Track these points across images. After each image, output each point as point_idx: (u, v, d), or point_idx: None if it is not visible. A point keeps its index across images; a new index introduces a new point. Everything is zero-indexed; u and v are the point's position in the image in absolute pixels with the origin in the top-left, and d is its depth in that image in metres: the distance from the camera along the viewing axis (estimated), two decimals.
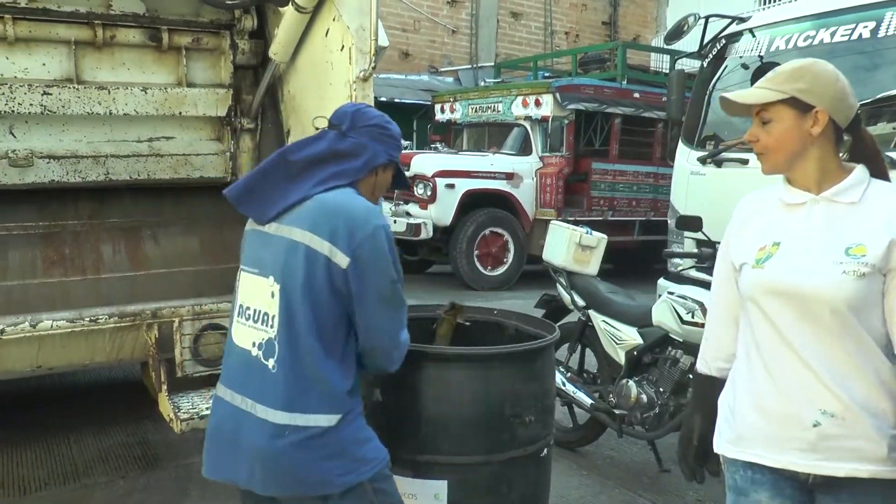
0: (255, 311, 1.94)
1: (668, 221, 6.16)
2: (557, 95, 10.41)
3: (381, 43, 3.37)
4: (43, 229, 4.05)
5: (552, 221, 4.99)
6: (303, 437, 1.84)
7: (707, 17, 5.62)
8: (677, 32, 5.67)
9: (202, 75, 4.16)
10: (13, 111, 3.68)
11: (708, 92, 5.97)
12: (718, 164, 5.39)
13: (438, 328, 2.80)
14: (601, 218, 10.95)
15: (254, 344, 1.92)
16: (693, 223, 4.09)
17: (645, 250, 11.51)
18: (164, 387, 3.06)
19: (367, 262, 1.89)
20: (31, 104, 3.71)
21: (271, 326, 1.90)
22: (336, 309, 1.90)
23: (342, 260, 1.87)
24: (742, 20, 5.62)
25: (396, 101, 13.98)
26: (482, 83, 13.93)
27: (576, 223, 11.38)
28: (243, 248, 2.06)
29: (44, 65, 3.81)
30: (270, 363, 1.89)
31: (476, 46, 16.87)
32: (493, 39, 17.10)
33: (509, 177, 10.41)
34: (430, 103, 13.04)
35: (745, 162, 5.18)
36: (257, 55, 4.21)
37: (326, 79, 3.52)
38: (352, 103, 2.28)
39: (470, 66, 16.46)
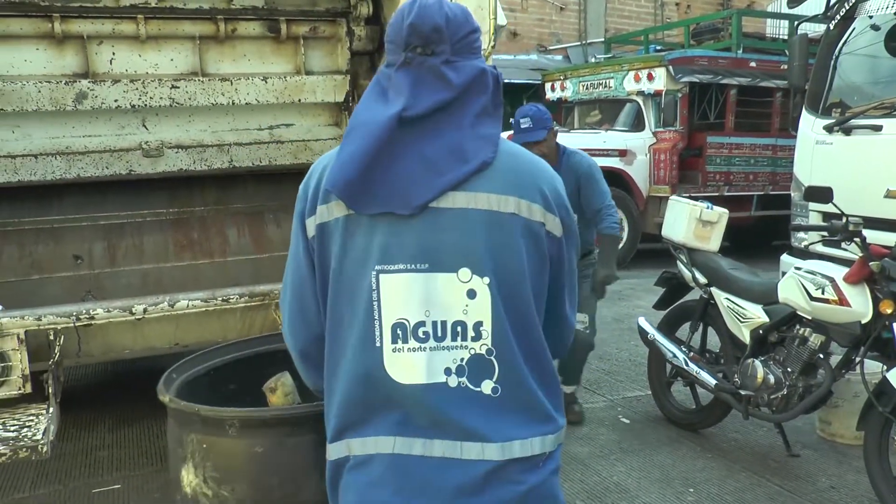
0: (437, 323, 1.40)
1: (792, 194, 5.88)
2: (670, 68, 10.10)
3: (499, 21, 3.36)
4: (173, 215, 4.29)
5: (671, 197, 4.86)
6: (533, 465, 1.44)
7: None
8: None
9: (320, 63, 4.27)
10: (145, 105, 3.90)
11: (834, 56, 5.66)
12: (847, 131, 5.11)
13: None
14: (717, 193, 10.57)
15: (445, 370, 1.40)
16: (822, 194, 3.89)
17: (763, 226, 11.05)
18: None
19: (570, 227, 1.53)
20: (161, 97, 3.91)
21: (475, 338, 1.40)
22: (543, 293, 1.50)
23: (555, 226, 1.48)
24: None
25: (505, 81, 13.85)
26: (592, 59, 13.67)
27: (692, 199, 11.05)
28: (347, 244, 1.44)
29: (171, 60, 4.01)
30: (487, 387, 1.41)
31: (585, 22, 16.56)
32: (602, 15, 16.74)
33: (622, 154, 10.20)
34: (539, 82, 12.90)
35: (878, 128, 4.88)
36: (373, 41, 4.29)
37: None
38: None
39: (579, 43, 16.18)
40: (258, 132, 4.26)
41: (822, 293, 3.58)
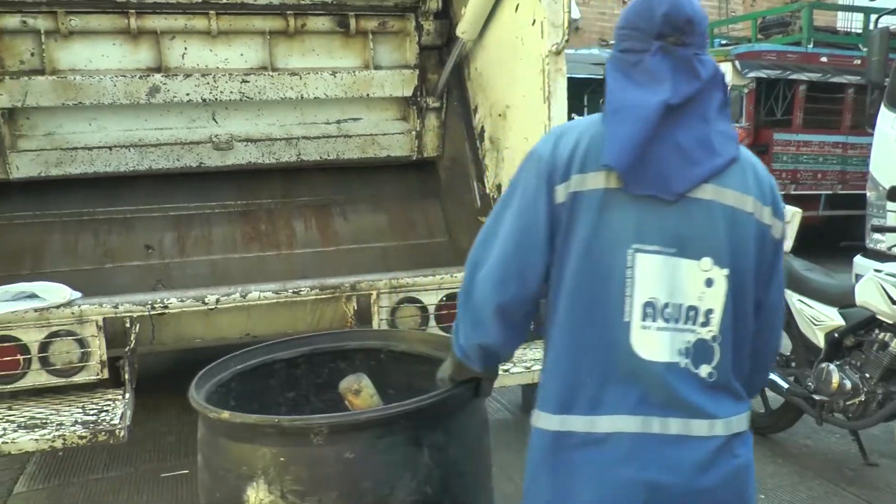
0: (676, 306, 1.49)
1: (868, 194, 5.69)
2: (737, 63, 9.84)
3: (573, 15, 3.31)
4: (241, 207, 4.35)
5: None
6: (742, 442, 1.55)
7: None
8: None
9: (388, 57, 4.27)
10: (216, 99, 3.96)
11: None
12: None
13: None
14: (784, 192, 10.17)
15: (678, 351, 1.49)
16: None
17: (831, 226, 10.71)
18: None
19: (784, 231, 1.61)
20: (231, 92, 3.97)
21: (704, 324, 1.50)
22: (758, 288, 1.58)
23: (778, 229, 1.57)
24: None
25: (567, 75, 13.71)
26: None
27: None
28: (602, 217, 1.51)
29: (241, 55, 4.06)
30: (704, 371, 1.51)
31: None
32: None
33: None
34: (601, 77, 12.70)
35: None
36: (442, 35, 4.28)
37: (516, 55, 3.51)
38: None
39: None
40: (326, 126, 4.28)
41: None
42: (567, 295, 1.53)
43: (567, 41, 3.21)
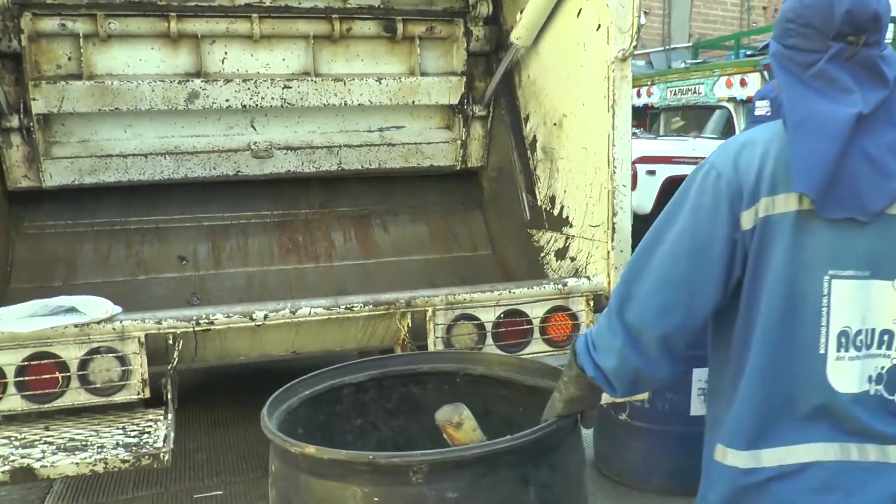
0: (869, 331, 1.42)
1: None
2: (765, 73, 9.67)
3: (641, 20, 3.15)
4: (278, 217, 4.19)
5: None
6: None
7: None
8: None
9: (434, 64, 4.12)
10: (257, 105, 3.81)
11: None
12: None
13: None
14: None
15: (868, 378, 1.43)
16: None
17: None
18: None
19: None
20: (272, 98, 3.82)
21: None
22: None
23: None
24: None
25: None
26: (681, 64, 13.25)
27: None
28: (795, 242, 1.40)
29: (283, 60, 3.91)
30: None
31: (669, 27, 16.14)
32: (686, 19, 16.29)
33: None
34: None
35: None
36: (491, 41, 4.12)
37: (577, 61, 3.35)
38: None
39: (663, 48, 15.76)
40: (368, 134, 4.13)
41: None
42: (760, 328, 1.44)
43: (635, 47, 3.05)
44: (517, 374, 2.06)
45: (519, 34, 3.68)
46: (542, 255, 3.81)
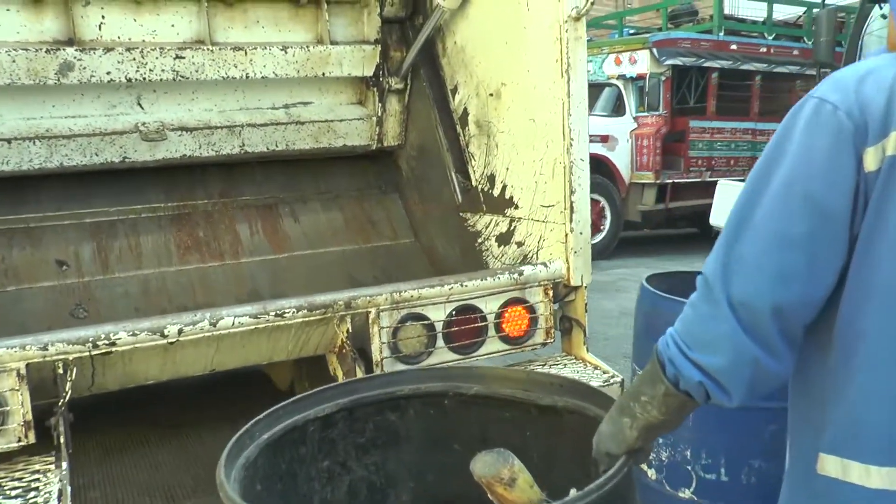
0: None
1: None
2: (654, 51, 9.75)
3: None
4: (172, 210, 3.62)
5: (721, 182, 4.45)
6: None
7: None
8: None
9: (343, 32, 3.64)
10: (144, 78, 3.22)
11: (864, 32, 5.33)
12: None
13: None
14: (699, 179, 10.34)
15: None
16: None
17: None
18: None
19: None
20: (162, 70, 3.24)
21: None
22: None
23: None
24: None
25: None
26: None
27: (674, 186, 10.75)
28: None
29: (172, 26, 3.33)
30: None
31: None
32: None
33: (604, 139, 9.80)
34: None
35: None
36: (407, 6, 3.71)
37: (518, 23, 2.99)
38: None
39: None
40: (272, 111, 3.62)
41: None
42: (881, 303, 1.14)
43: (592, 3, 2.73)
44: (524, 392, 1.68)
45: None
46: (479, 241, 3.45)
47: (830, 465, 1.23)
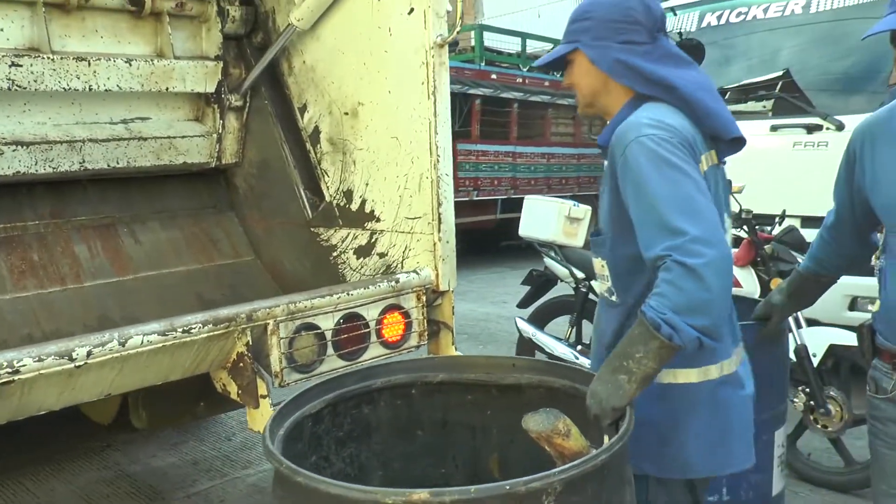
0: None
1: None
2: None
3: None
4: (0, 233, 3.32)
5: (528, 198, 4.93)
6: None
7: None
8: None
9: (183, 46, 3.59)
10: None
11: None
12: None
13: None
14: (468, 198, 11.02)
15: None
16: None
17: (503, 228, 11.78)
18: (268, 400, 2.61)
19: None
20: None
21: None
22: None
23: None
24: None
25: None
26: None
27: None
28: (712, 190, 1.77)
29: (2, 30, 3.10)
30: None
31: None
32: None
33: None
34: None
35: None
36: (246, 24, 3.72)
37: (379, 46, 3.17)
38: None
39: None
40: (112, 126, 3.46)
41: None
42: None
43: (458, 31, 3.00)
44: (486, 375, 1.88)
45: (301, 16, 3.39)
46: (334, 254, 3.57)
47: None
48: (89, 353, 2.21)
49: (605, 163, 1.82)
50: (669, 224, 1.56)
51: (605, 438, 1.44)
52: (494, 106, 11.35)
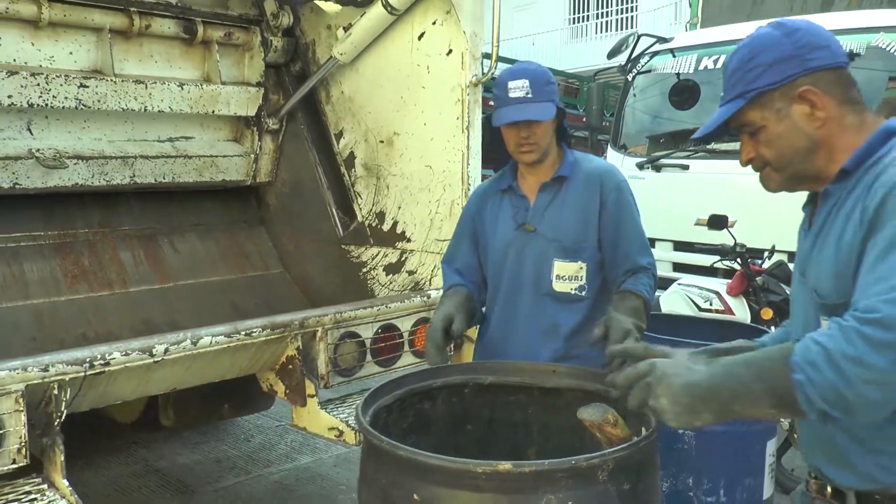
0: None
1: None
2: None
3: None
4: (54, 239, 3.57)
5: None
6: None
7: (639, 36, 6.14)
8: (617, 49, 6.14)
9: (228, 72, 3.86)
10: (46, 104, 3.22)
11: (627, 105, 6.53)
12: (658, 168, 5.92)
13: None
14: None
15: None
16: (720, 222, 4.41)
17: None
18: (317, 400, 2.86)
19: None
20: (66, 97, 3.27)
21: None
22: None
23: None
24: (665, 40, 6.21)
25: None
26: None
27: None
28: None
29: (70, 53, 3.37)
30: None
31: None
32: None
33: None
34: None
35: (686, 167, 5.74)
36: (287, 53, 4.00)
37: (417, 82, 3.47)
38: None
39: None
40: (160, 144, 3.72)
41: (710, 304, 4.18)
42: None
43: (493, 74, 3.30)
44: (530, 379, 2.16)
45: (343, 50, 3.67)
46: (364, 270, 3.83)
47: None
48: (166, 350, 2.46)
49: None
50: None
51: (643, 430, 1.72)
52: (493, 132, 11.66)
